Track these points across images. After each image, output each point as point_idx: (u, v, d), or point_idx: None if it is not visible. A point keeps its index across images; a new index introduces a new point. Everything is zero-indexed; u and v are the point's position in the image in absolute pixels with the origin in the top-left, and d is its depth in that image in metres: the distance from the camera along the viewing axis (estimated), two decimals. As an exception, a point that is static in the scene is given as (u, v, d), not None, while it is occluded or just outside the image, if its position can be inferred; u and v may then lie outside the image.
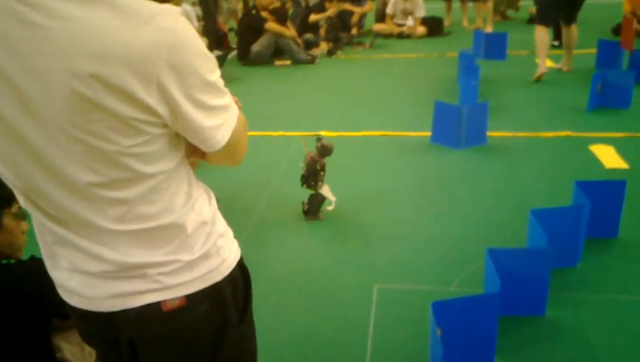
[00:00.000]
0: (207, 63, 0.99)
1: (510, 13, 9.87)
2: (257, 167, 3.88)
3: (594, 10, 6.00)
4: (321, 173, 3.17)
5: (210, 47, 7.51)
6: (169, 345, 1.13)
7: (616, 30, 7.42)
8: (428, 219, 3.21)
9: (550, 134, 4.37)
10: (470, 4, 9.04)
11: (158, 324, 1.09)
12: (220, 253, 1.15)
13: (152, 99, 0.93)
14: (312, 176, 3.16)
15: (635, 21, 6.19)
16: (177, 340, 1.13)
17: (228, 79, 6.44)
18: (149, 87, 0.92)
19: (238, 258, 1.20)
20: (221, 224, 1.20)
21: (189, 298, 1.10)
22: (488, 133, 4.27)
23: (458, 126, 4.14)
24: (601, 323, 2.31)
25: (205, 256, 1.12)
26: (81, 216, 1.03)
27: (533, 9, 9.13)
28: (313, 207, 3.24)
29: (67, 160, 0.96)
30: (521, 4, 9.86)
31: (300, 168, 3.23)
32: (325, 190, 3.20)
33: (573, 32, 5.80)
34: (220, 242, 1.16)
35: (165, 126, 0.99)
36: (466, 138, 4.16)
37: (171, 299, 1.08)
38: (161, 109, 0.95)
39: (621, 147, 4.03)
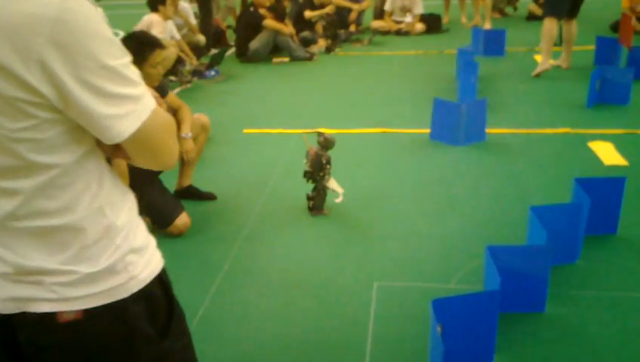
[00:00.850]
0: (106, 46, 0.93)
1: (509, 10, 9.86)
2: (256, 165, 3.87)
3: (592, 7, 5.99)
4: (328, 167, 3.18)
5: (208, 45, 7.50)
6: (66, 357, 1.07)
7: (615, 27, 7.41)
8: (427, 216, 3.20)
9: (549, 131, 4.37)
10: (468, 1, 9.02)
11: (53, 334, 1.04)
12: (129, 269, 1.07)
13: (32, 78, 0.88)
14: (318, 170, 3.17)
15: (633, 18, 6.18)
16: (75, 353, 1.07)
17: (226, 76, 6.44)
18: (29, 64, 0.87)
19: (155, 273, 1.12)
20: (138, 237, 1.11)
21: (87, 312, 1.03)
22: (487, 130, 4.27)
23: (457, 123, 4.13)
24: (600, 319, 2.31)
25: (109, 271, 1.05)
26: None
27: (531, 6, 9.16)
28: (318, 203, 3.24)
29: None
30: (518, 3, 9.84)
31: (304, 165, 3.22)
32: (332, 183, 3.21)
33: (573, 27, 5.78)
34: (130, 258, 1.07)
35: (55, 110, 0.93)
36: (465, 135, 4.15)
37: (67, 312, 1.03)
38: (45, 89, 0.90)
39: (620, 144, 4.03)
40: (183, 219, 3.07)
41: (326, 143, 3.18)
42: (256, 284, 2.66)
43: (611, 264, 2.68)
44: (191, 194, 3.45)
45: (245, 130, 4.64)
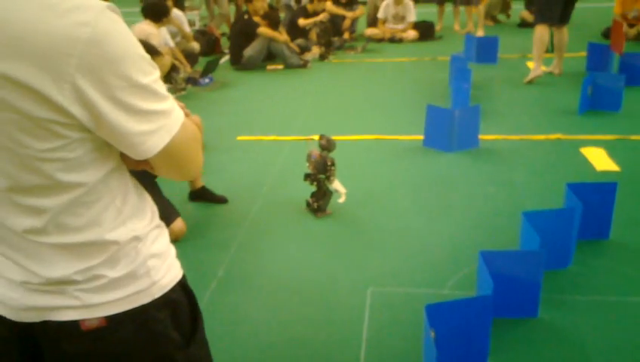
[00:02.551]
0: (137, 64, 0.91)
1: (501, 17, 9.91)
2: (250, 172, 3.88)
3: (584, 14, 6.05)
4: (332, 168, 3.21)
5: (202, 52, 7.52)
6: None
7: (606, 34, 7.48)
8: (421, 222, 3.22)
9: (542, 137, 4.40)
10: (461, 9, 9.08)
11: (76, 342, 1.03)
12: (151, 274, 1.07)
13: (64, 100, 0.86)
14: (322, 172, 3.21)
15: (624, 24, 6.23)
16: (99, 361, 1.06)
17: (220, 84, 6.45)
18: (61, 86, 0.86)
19: (176, 280, 1.12)
20: (159, 244, 1.11)
21: (110, 319, 1.03)
22: (480, 136, 4.29)
23: (450, 129, 4.15)
24: (593, 324, 2.32)
25: (132, 276, 1.05)
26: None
27: (524, 13, 9.22)
28: (323, 206, 3.29)
29: None
30: (510, 11, 9.90)
31: (306, 167, 3.27)
32: (336, 184, 3.25)
33: (564, 34, 5.82)
34: (152, 262, 1.07)
35: (85, 130, 0.92)
36: (458, 141, 4.17)
37: (90, 319, 1.02)
38: (76, 111, 0.88)
39: (612, 149, 4.06)
40: (178, 225, 3.09)
41: (328, 145, 3.23)
42: (250, 290, 2.67)
43: (604, 269, 2.69)
44: (204, 196, 3.49)
45: (239, 137, 4.65)
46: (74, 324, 1.02)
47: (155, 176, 3.14)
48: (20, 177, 0.93)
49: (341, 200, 3.26)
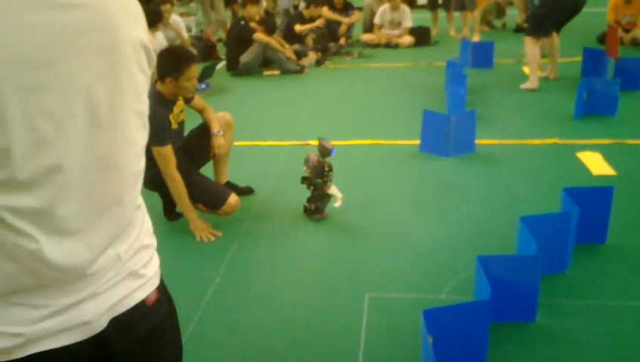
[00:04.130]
0: None
1: (497, 23, 9.95)
2: (247, 177, 3.87)
3: (579, 19, 6.07)
4: (330, 174, 3.22)
5: (199, 58, 7.52)
6: (156, 340, 1.06)
7: (601, 39, 7.51)
8: (418, 228, 3.21)
9: (538, 142, 4.40)
10: (457, 14, 9.11)
11: (146, 321, 1.03)
12: (156, 247, 1.12)
13: (152, 55, 1.00)
14: (319, 176, 3.23)
15: (619, 29, 6.26)
16: (160, 335, 1.07)
17: (217, 89, 6.45)
18: (148, 42, 0.99)
19: None
20: None
21: (159, 290, 1.06)
22: (476, 141, 4.30)
23: (446, 134, 4.16)
24: (591, 329, 2.32)
25: (153, 247, 1.09)
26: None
27: (518, 18, 9.26)
28: (321, 207, 3.31)
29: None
30: (506, 18, 9.93)
31: (303, 171, 3.28)
32: (333, 189, 3.26)
33: (555, 40, 5.88)
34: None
35: None
36: (455, 146, 4.18)
37: (150, 293, 1.03)
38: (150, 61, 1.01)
39: (608, 154, 4.07)
40: (234, 198, 3.27)
41: (323, 150, 3.24)
42: (247, 296, 2.66)
43: (601, 273, 2.70)
44: (230, 189, 3.48)
45: (236, 143, 4.64)
46: (141, 304, 1.02)
47: (200, 166, 3.42)
48: (141, 140, 1.00)
49: (337, 204, 3.26)
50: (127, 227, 1.00)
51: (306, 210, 3.36)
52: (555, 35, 5.84)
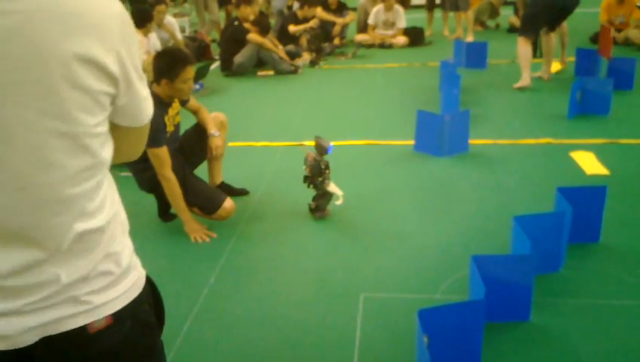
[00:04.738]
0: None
1: (490, 23, 9.97)
2: (241, 178, 3.87)
3: (572, 20, 6.10)
4: (327, 171, 3.23)
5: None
6: None
7: (594, 39, 7.54)
8: (412, 227, 3.22)
9: (531, 141, 4.42)
10: (451, 15, 9.12)
11: (84, 348, 1.01)
12: (137, 265, 1.10)
13: (114, 68, 0.95)
14: (317, 175, 3.24)
15: (612, 29, 6.29)
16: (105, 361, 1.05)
17: (210, 90, 6.44)
18: (112, 56, 0.94)
19: (145, 271, 1.15)
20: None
21: (115, 316, 1.03)
22: (470, 141, 4.31)
23: (440, 134, 4.17)
24: (584, 327, 2.33)
25: (127, 270, 1.06)
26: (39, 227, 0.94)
27: (512, 18, 9.28)
28: (322, 205, 3.32)
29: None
30: (499, 19, 9.96)
31: (303, 170, 3.30)
32: (332, 186, 3.28)
33: (551, 40, 5.92)
34: (133, 254, 1.10)
35: (113, 101, 0.99)
36: (449, 146, 4.19)
37: (98, 320, 1.01)
38: (119, 77, 0.97)
39: (601, 153, 4.08)
40: (229, 202, 3.26)
41: (320, 148, 3.26)
42: (242, 297, 2.66)
43: (594, 272, 2.71)
44: (224, 191, 3.49)
45: (230, 143, 4.64)
46: (81, 329, 1.00)
47: (193, 169, 3.41)
48: (70, 163, 0.94)
49: (338, 202, 3.28)
50: (68, 251, 0.97)
51: (310, 209, 3.38)
52: (552, 35, 5.87)
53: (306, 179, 3.32)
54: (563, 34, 6.04)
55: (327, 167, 3.25)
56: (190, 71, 3.08)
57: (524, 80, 5.83)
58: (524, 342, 2.26)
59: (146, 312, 1.10)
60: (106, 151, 1.00)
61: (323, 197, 3.33)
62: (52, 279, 0.96)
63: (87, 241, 0.99)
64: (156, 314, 1.16)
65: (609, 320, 2.36)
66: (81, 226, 0.97)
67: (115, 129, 1.03)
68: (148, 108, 1.07)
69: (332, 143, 3.29)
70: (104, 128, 0.98)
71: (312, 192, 3.36)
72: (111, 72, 0.94)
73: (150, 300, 1.14)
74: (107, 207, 1.02)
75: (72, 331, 0.99)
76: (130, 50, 0.98)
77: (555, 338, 2.28)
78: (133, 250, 1.11)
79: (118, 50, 0.95)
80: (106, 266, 1.02)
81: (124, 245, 1.07)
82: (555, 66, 6.33)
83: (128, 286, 1.06)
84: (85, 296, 0.99)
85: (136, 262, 1.11)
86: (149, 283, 1.15)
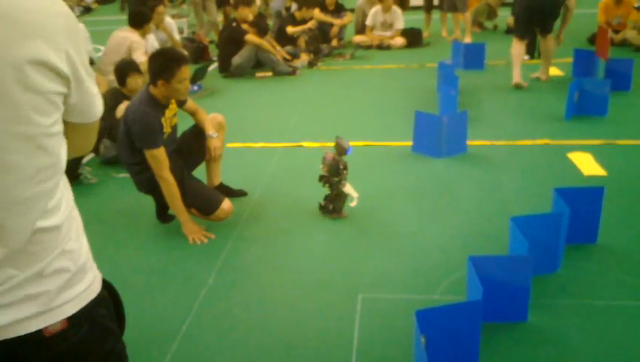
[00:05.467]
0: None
1: (488, 24, 9.98)
2: (239, 179, 3.87)
3: (570, 21, 6.12)
4: (345, 172, 3.25)
5: (191, 60, 7.50)
6: None
7: (592, 40, 7.55)
8: (410, 228, 3.22)
9: (529, 142, 4.43)
10: (449, 16, 9.13)
11: (40, 351, 1.01)
12: (93, 266, 1.10)
13: (64, 67, 0.96)
14: (335, 174, 3.25)
15: (609, 31, 6.31)
16: None
17: (209, 91, 6.44)
18: (61, 56, 0.95)
19: (101, 274, 1.14)
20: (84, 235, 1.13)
21: (71, 319, 1.02)
22: (468, 142, 4.32)
23: (438, 135, 4.17)
24: (582, 328, 2.33)
25: (83, 270, 1.06)
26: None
27: (510, 20, 9.29)
28: (338, 207, 3.33)
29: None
30: (497, 20, 9.96)
31: (320, 169, 3.31)
32: (348, 187, 3.29)
33: (548, 42, 5.96)
34: (90, 255, 1.10)
35: (66, 100, 1.00)
36: (447, 147, 4.19)
37: (53, 324, 1.00)
38: (70, 76, 0.98)
39: (599, 154, 4.09)
40: (227, 203, 3.25)
41: (339, 149, 3.28)
42: (240, 298, 2.66)
43: (592, 273, 2.71)
44: (223, 192, 3.49)
45: (229, 144, 4.64)
46: (36, 333, 1.00)
47: (192, 170, 3.40)
48: (29, 164, 0.95)
49: (353, 204, 3.29)
50: (25, 249, 0.97)
51: (321, 207, 3.38)
52: (549, 37, 5.88)
53: (321, 178, 3.33)
54: (546, 49, 6.04)
55: (345, 167, 3.26)
56: (186, 70, 3.07)
57: (514, 77, 5.93)
58: (522, 343, 2.27)
59: (104, 316, 1.10)
60: (64, 151, 1.01)
61: (338, 198, 3.33)
62: (8, 276, 0.97)
63: (44, 239, 0.99)
64: (117, 319, 1.15)
65: (606, 321, 2.37)
66: (40, 224, 0.98)
67: (66, 125, 1.04)
68: (98, 105, 1.08)
69: (351, 145, 3.29)
70: (59, 127, 0.99)
71: (313, 193, 3.36)
72: (62, 71, 0.95)
73: (110, 305, 1.13)
74: (63, 206, 1.03)
75: (28, 335, 0.99)
76: (78, 47, 0.99)
77: (552, 339, 2.28)
78: (90, 251, 1.11)
79: (66, 48, 0.96)
80: (62, 263, 1.02)
81: (80, 244, 1.07)
82: (553, 71, 6.34)
83: (85, 287, 1.05)
84: (41, 296, 0.99)
85: (93, 263, 1.11)
86: (109, 289, 1.15)
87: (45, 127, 0.95)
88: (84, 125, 1.08)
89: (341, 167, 3.25)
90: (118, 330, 1.14)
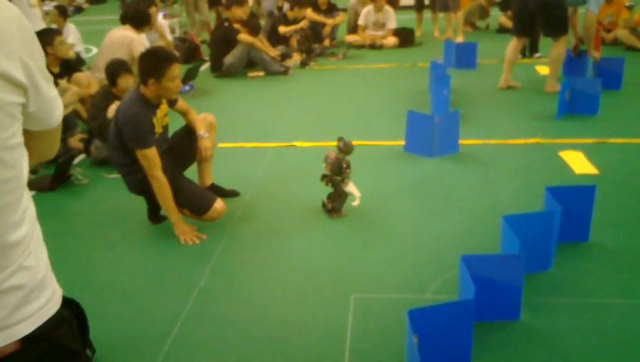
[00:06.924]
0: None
1: (480, 24, 10.00)
2: (232, 179, 3.86)
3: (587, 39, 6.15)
4: (347, 171, 3.25)
5: (182, 60, 7.48)
6: None
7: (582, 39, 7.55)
8: (402, 228, 3.22)
9: (521, 141, 4.44)
10: (441, 15, 9.15)
11: None
12: (52, 281, 1.05)
13: (20, 75, 0.93)
14: (338, 173, 3.25)
15: (601, 30, 6.32)
16: None
17: (201, 91, 6.42)
18: (16, 64, 0.92)
19: (61, 290, 1.09)
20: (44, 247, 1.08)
21: (24, 341, 0.97)
22: (460, 141, 4.32)
23: (430, 135, 4.18)
24: (574, 326, 2.34)
25: (42, 285, 1.00)
26: None
27: (503, 19, 9.31)
28: (339, 205, 3.33)
29: None
30: (489, 19, 9.98)
31: (322, 168, 3.31)
32: (351, 186, 3.29)
33: (554, 48, 5.60)
34: (50, 270, 1.05)
35: (24, 110, 0.97)
36: (439, 146, 4.20)
37: (6, 345, 0.95)
38: (27, 84, 0.95)
39: (590, 153, 4.11)
40: (220, 203, 3.25)
41: (345, 148, 3.27)
42: (232, 298, 2.65)
43: (584, 271, 2.72)
44: (215, 192, 3.47)
45: (221, 144, 4.63)
46: None
47: (183, 170, 3.38)
48: None
49: (355, 203, 3.29)
50: None
51: (324, 205, 3.37)
52: (556, 43, 5.57)
53: (324, 177, 3.32)
54: (551, 55, 5.70)
55: (348, 166, 3.26)
56: (176, 68, 3.05)
57: (501, 81, 5.91)
58: (514, 341, 2.27)
59: (64, 335, 1.04)
60: (25, 162, 0.98)
61: (340, 197, 3.33)
62: None
63: (4, 255, 0.95)
64: (81, 338, 1.09)
65: (598, 319, 2.38)
66: (1, 240, 0.94)
67: (26, 133, 1.01)
68: (58, 109, 1.04)
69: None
70: (19, 139, 0.96)
71: (306, 192, 3.36)
72: (18, 81, 0.92)
73: (71, 323, 1.08)
74: (26, 220, 0.99)
75: None
76: (33, 53, 0.96)
77: (544, 337, 2.28)
78: (49, 265, 1.06)
79: (21, 55, 0.92)
80: (19, 280, 0.97)
81: (39, 259, 1.02)
82: (543, 70, 6.30)
83: (42, 304, 1.00)
84: None
85: (52, 278, 1.05)
86: (72, 306, 1.10)
87: (3, 140, 0.91)
88: (46, 131, 1.04)
89: (344, 165, 3.25)
90: (82, 350, 1.08)
